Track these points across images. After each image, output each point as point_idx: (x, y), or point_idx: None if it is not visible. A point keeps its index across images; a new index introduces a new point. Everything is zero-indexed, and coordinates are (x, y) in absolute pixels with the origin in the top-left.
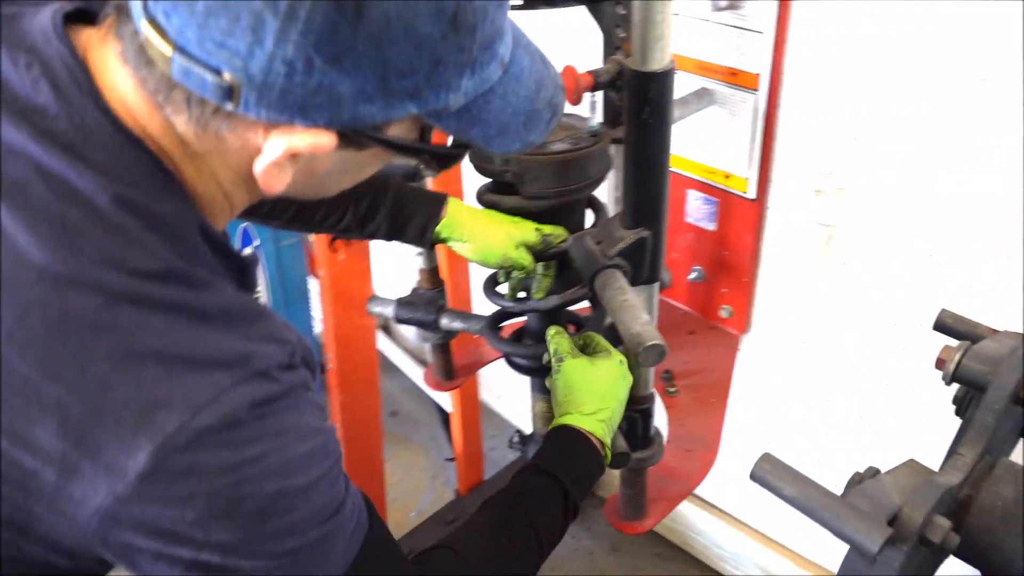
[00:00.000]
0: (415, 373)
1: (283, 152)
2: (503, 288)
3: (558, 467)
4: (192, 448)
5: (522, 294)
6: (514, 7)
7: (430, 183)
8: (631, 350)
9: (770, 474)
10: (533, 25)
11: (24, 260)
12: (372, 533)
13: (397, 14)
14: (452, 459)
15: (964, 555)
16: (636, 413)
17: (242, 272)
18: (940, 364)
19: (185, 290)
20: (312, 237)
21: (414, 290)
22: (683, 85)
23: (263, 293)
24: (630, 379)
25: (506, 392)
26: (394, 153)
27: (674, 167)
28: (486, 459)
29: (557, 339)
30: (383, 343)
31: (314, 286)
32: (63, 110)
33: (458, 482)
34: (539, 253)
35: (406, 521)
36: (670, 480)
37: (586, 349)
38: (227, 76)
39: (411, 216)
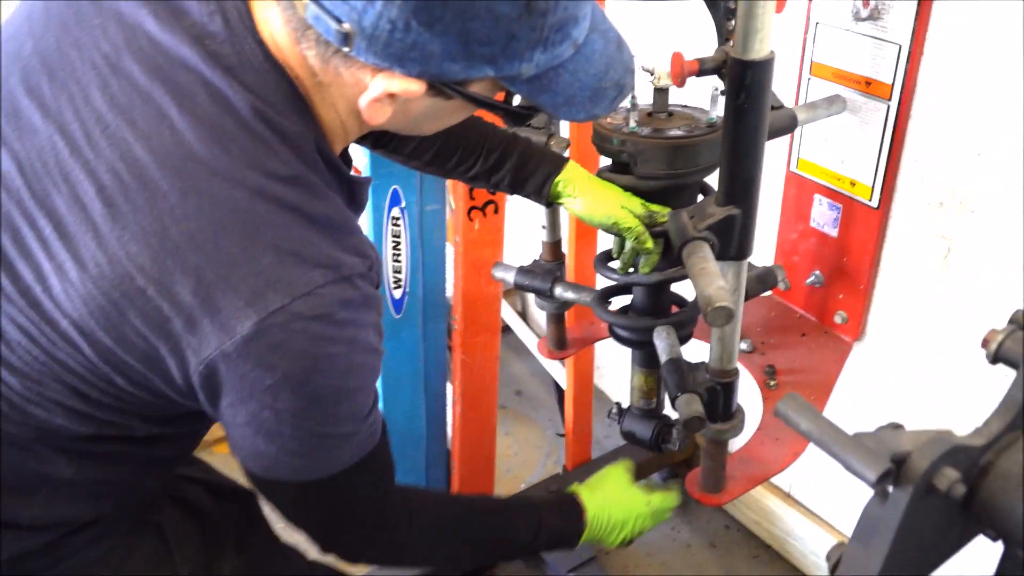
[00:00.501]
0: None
1: (382, 91)
2: (615, 264)
3: (548, 527)
4: (286, 327)
5: (632, 271)
6: None
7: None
8: (702, 310)
9: (792, 410)
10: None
11: (190, 153)
12: (377, 449)
13: None
14: (563, 435)
15: (980, 519)
16: (719, 386)
17: (351, 190)
18: (985, 344)
19: (305, 195)
20: (452, 205)
21: (535, 261)
22: (817, 91)
23: (403, 251)
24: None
25: (624, 379)
26: (474, 105)
27: (804, 172)
28: (598, 444)
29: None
30: (519, 327)
31: (449, 251)
32: (228, 38)
33: (566, 458)
34: (645, 225)
35: (516, 490)
36: (754, 462)
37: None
38: (346, 25)
39: (533, 172)
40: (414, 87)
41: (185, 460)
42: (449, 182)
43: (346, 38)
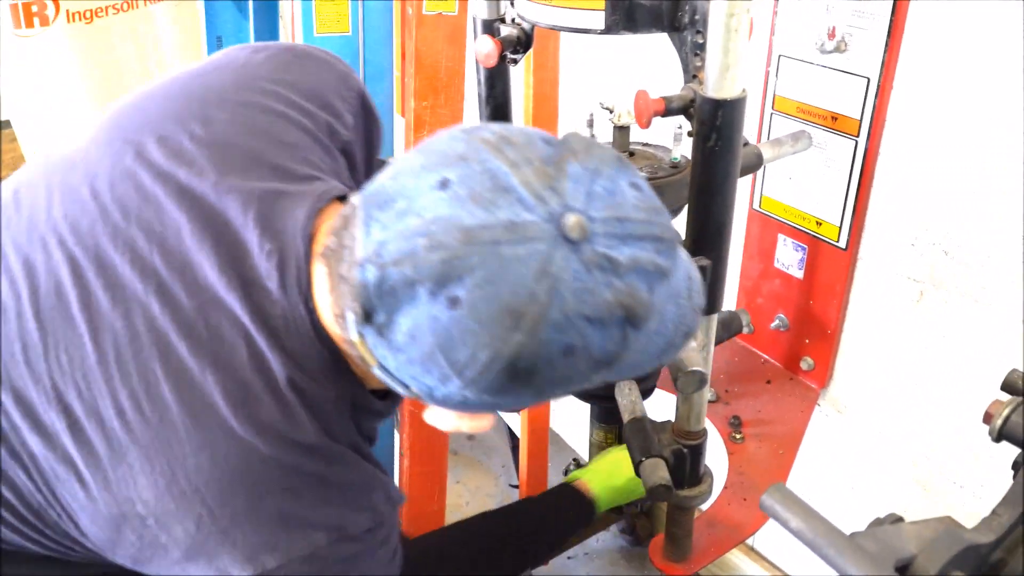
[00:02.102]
0: None
1: (453, 428)
2: None
3: (562, 528)
4: None
5: None
6: (596, 31)
7: None
8: (672, 375)
9: (779, 504)
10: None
11: (214, 408)
12: None
13: (561, 375)
14: (516, 486)
15: None
16: (685, 448)
17: (382, 416)
18: (987, 419)
19: (322, 463)
20: None
21: None
22: (781, 126)
23: None
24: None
25: (582, 422)
26: None
27: (767, 211)
28: None
29: None
30: None
31: None
32: (281, 300)
33: None
34: None
35: None
36: (721, 526)
37: None
38: (414, 390)
39: None
40: (484, 423)
41: None
42: None
43: (416, 395)
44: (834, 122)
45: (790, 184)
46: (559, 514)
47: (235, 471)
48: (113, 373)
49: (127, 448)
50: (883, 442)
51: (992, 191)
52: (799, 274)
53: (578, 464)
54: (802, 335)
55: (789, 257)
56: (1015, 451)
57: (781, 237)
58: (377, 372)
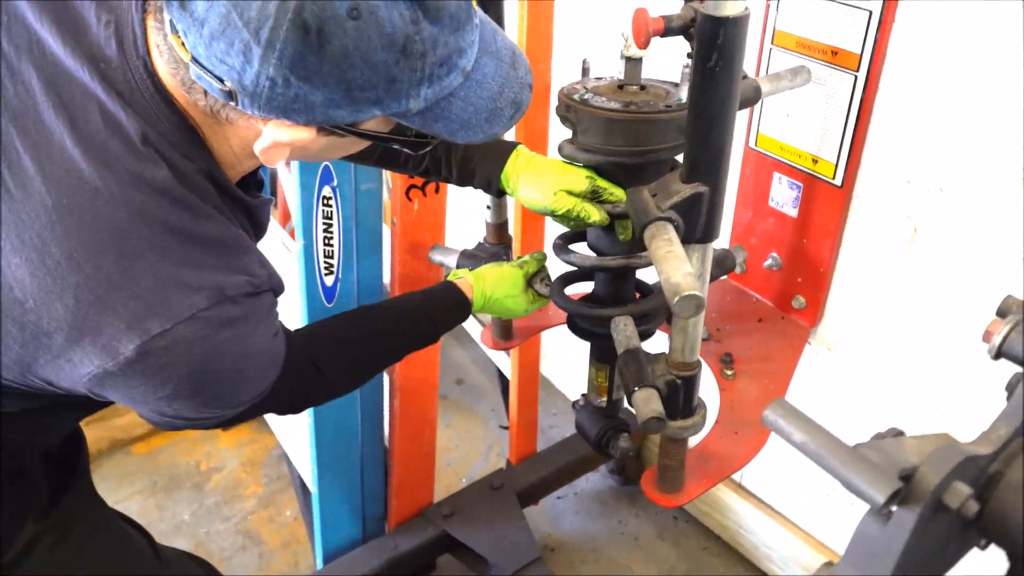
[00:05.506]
0: None
1: (272, 142)
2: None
3: (438, 314)
4: (169, 349)
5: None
6: None
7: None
8: (668, 299)
9: (782, 419)
10: None
11: (76, 171)
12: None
13: (354, 46)
14: (506, 427)
15: (988, 532)
16: (678, 379)
17: (249, 212)
18: (987, 337)
19: (189, 216)
20: (390, 184)
21: (480, 243)
22: (779, 62)
23: (335, 234)
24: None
25: (571, 367)
26: (368, 140)
27: (763, 149)
28: (543, 435)
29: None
30: None
31: (386, 234)
32: (121, 65)
33: (510, 451)
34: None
35: (456, 485)
36: (713, 459)
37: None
38: (227, 83)
39: (477, 166)
40: (303, 134)
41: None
42: None
43: (230, 95)
44: (834, 56)
45: (787, 121)
46: (437, 309)
47: (103, 230)
48: None
49: None
50: (873, 379)
51: (990, 127)
52: (793, 213)
53: (586, 399)
54: (794, 274)
55: (783, 196)
56: (1006, 382)
57: (776, 175)
58: (193, 70)
